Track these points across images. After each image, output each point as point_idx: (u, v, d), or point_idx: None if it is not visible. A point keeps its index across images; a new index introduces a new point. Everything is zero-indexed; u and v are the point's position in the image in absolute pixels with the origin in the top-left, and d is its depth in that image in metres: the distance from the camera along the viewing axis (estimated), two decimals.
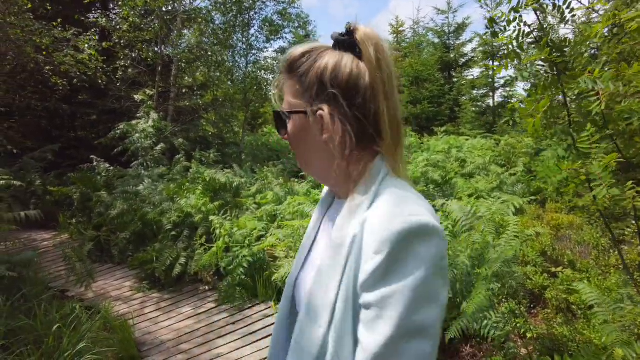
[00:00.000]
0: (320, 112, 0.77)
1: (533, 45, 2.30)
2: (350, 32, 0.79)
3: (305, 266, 0.89)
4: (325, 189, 0.98)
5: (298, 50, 0.81)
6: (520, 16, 1.88)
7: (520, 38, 1.91)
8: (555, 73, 2.13)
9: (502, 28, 2.17)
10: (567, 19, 2.01)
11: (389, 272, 0.64)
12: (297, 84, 0.80)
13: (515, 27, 2.13)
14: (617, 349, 1.39)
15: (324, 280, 0.74)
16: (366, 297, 0.66)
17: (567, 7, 2.08)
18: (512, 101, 11.96)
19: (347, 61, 0.77)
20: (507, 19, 2.13)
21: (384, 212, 0.69)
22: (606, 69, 2.07)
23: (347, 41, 0.79)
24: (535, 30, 1.96)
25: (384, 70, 0.76)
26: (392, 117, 0.77)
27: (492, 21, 2.12)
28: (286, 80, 0.83)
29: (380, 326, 0.63)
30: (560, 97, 2.22)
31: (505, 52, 2.06)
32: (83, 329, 3.31)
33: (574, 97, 2.22)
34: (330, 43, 0.82)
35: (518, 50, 1.91)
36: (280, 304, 0.94)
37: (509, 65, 2.27)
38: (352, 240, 0.71)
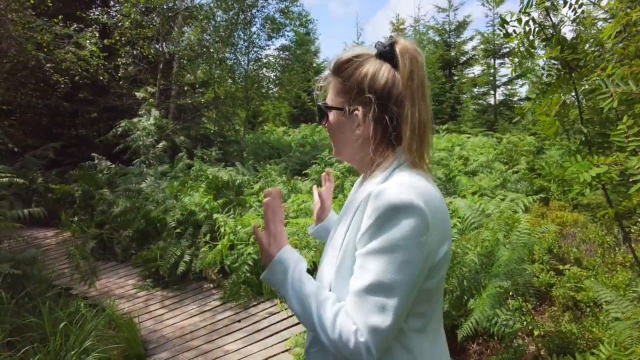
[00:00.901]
0: (356, 112, 0.93)
1: (544, 44, 2.28)
2: (391, 44, 0.92)
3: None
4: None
5: (345, 55, 0.95)
6: (533, 17, 1.88)
7: (531, 37, 1.90)
8: (567, 71, 2.12)
9: (514, 30, 2.16)
10: (578, 16, 2.00)
11: (375, 234, 0.81)
12: (340, 85, 0.95)
13: (527, 26, 2.12)
14: (639, 346, 1.38)
15: (338, 230, 0.96)
16: (358, 251, 0.84)
17: (580, 6, 2.08)
18: (514, 99, 11.97)
19: (385, 71, 0.91)
20: (517, 17, 2.12)
21: (383, 188, 0.84)
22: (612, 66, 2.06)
23: (387, 52, 0.92)
24: (546, 29, 1.94)
25: (415, 80, 0.89)
26: (417, 120, 0.90)
27: (503, 21, 2.10)
28: (332, 79, 0.98)
29: (362, 275, 0.82)
30: (572, 95, 2.21)
31: (513, 50, 2.05)
32: (89, 327, 3.30)
33: (584, 96, 2.21)
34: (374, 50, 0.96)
35: (531, 49, 1.90)
36: None
37: (515, 62, 2.26)
38: (359, 205, 0.90)
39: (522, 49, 2.09)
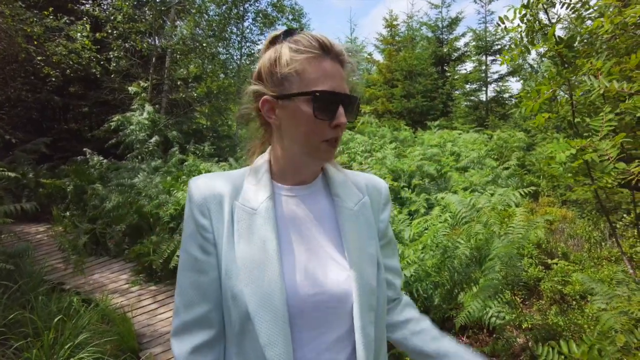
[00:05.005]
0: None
1: (541, 39, 2.34)
2: None
3: (285, 258, 0.84)
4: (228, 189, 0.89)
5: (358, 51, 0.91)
6: (537, 13, 1.93)
7: (532, 33, 1.94)
8: (561, 61, 2.18)
9: (518, 25, 2.21)
10: (577, 9, 2.06)
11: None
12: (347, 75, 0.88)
13: (528, 22, 2.17)
14: (620, 335, 1.44)
15: (365, 243, 0.90)
16: (388, 236, 1.00)
17: (582, 6, 2.15)
18: (505, 96, 12.09)
19: None
20: (519, 16, 2.17)
21: (371, 178, 1.01)
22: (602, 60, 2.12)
23: None
24: (546, 27, 1.99)
25: None
26: None
27: (503, 19, 2.16)
28: (355, 71, 0.89)
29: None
30: (565, 92, 2.27)
31: (510, 45, 2.10)
32: (82, 321, 3.30)
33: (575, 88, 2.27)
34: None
35: (529, 45, 1.95)
36: (265, 318, 0.78)
37: (510, 55, 2.32)
38: (370, 200, 0.95)
39: (524, 41, 2.14)
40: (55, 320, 3.15)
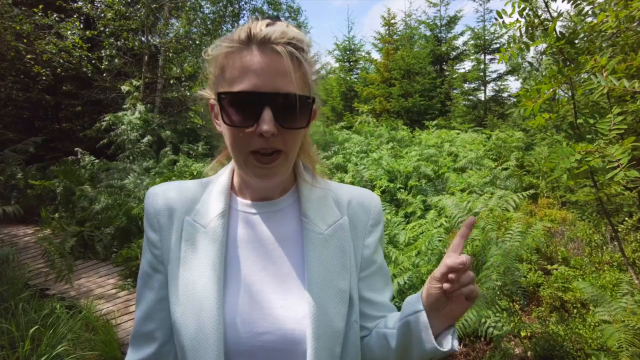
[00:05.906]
0: (314, 105, 0.71)
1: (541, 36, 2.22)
2: None
3: (232, 287, 0.72)
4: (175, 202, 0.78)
5: (307, 37, 0.71)
6: (535, 10, 1.80)
7: (530, 29, 1.81)
8: (562, 59, 2.04)
9: (517, 19, 2.08)
10: (584, 10, 1.93)
11: (382, 238, 0.83)
12: (311, 70, 0.70)
13: (525, 16, 2.05)
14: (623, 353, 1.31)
15: (333, 274, 0.73)
16: (376, 265, 0.81)
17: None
18: (504, 95, 11.97)
19: None
20: (518, 10, 2.04)
21: (359, 193, 0.82)
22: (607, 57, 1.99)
23: None
24: (546, 21, 1.86)
25: None
26: None
27: (501, 13, 2.03)
28: (307, 61, 0.69)
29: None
30: (565, 92, 2.14)
31: (509, 41, 1.96)
32: (62, 330, 3.16)
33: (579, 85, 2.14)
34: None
35: (528, 42, 1.82)
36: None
37: (508, 52, 2.19)
38: (352, 221, 0.79)
39: (523, 37, 2.00)
40: (33, 329, 3.02)
